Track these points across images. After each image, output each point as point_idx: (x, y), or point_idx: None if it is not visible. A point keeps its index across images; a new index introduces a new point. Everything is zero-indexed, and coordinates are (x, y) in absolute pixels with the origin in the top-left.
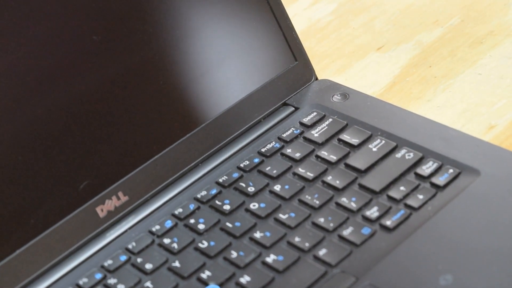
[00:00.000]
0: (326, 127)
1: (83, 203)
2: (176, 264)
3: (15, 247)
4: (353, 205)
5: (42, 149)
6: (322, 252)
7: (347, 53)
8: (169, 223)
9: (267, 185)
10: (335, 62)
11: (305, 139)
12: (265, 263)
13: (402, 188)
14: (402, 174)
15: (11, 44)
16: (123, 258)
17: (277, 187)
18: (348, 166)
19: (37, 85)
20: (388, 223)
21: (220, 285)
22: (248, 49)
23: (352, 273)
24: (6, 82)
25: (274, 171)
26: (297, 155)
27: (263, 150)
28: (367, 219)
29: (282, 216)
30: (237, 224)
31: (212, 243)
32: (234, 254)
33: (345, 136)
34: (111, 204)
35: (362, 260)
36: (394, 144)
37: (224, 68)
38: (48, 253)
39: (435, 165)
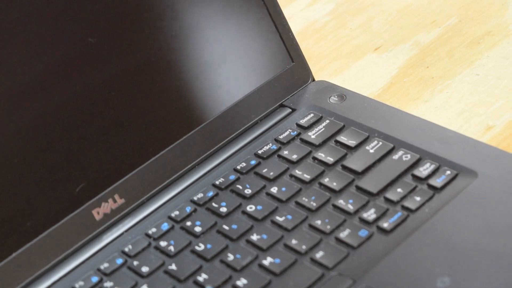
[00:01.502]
0: (323, 129)
1: (79, 205)
2: (173, 267)
3: (11, 250)
4: (350, 207)
5: (38, 152)
6: (319, 255)
7: (345, 53)
8: (165, 226)
9: (264, 187)
10: (333, 63)
11: (302, 140)
12: (261, 266)
13: (399, 190)
14: (399, 176)
15: (7, 47)
16: (120, 261)
17: (274, 189)
18: (345, 168)
19: (33, 87)
20: (385, 225)
21: None
22: (244, 50)
23: (349, 276)
24: (1, 84)
25: (271, 173)
26: (294, 157)
27: (259, 152)
28: (364, 221)
29: (279, 219)
30: (234, 226)
31: (208, 246)
32: (230, 257)
33: (342, 138)
34: (107, 206)
35: (359, 262)
36: (391, 145)
37: (221, 69)
38: (44, 256)
39: (432, 167)
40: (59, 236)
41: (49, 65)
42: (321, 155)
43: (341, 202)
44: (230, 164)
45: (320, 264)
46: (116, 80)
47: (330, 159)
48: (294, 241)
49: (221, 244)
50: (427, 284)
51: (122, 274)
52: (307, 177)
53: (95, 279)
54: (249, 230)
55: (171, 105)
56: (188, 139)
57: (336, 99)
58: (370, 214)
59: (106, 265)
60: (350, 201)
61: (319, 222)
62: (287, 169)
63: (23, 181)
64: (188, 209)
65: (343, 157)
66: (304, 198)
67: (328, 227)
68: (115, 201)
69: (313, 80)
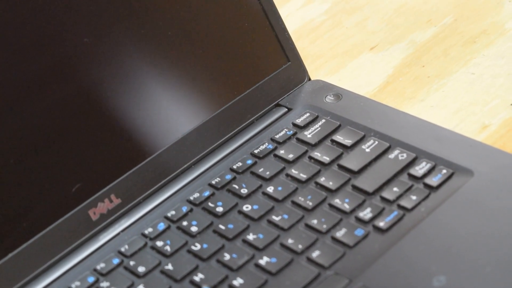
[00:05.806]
0: (319, 128)
1: (75, 206)
2: (169, 267)
3: (8, 250)
4: (346, 207)
5: (34, 152)
6: (315, 254)
7: (341, 53)
8: (161, 226)
9: (260, 186)
10: (329, 62)
11: (298, 140)
12: (258, 266)
13: (395, 189)
14: (395, 175)
15: (2, 47)
16: (116, 261)
17: (270, 189)
18: (341, 167)
19: (29, 88)
20: (381, 224)
21: (213, 287)
22: (240, 50)
23: (346, 275)
24: None
25: (267, 173)
26: (290, 156)
27: (256, 151)
28: (360, 221)
29: (275, 218)
30: (230, 226)
31: (205, 246)
32: (227, 257)
33: (338, 137)
34: (103, 207)
35: (355, 261)
36: (387, 144)
37: (216, 69)
38: (40, 256)
39: (428, 166)
40: (55, 237)
41: (42, 65)
42: (317, 154)
43: (337, 202)
44: (226, 163)
45: (316, 264)
46: (112, 80)
47: (326, 159)
48: (290, 241)
49: (218, 243)
50: (423, 283)
51: (119, 274)
52: (303, 176)
53: (91, 279)
54: (245, 230)
55: (168, 104)
56: (185, 139)
57: (332, 98)
58: (366, 213)
59: (102, 265)
60: (346, 200)
61: (315, 221)
62: (283, 168)
63: (19, 182)
64: (184, 209)
65: (339, 156)
66: (300, 198)
67: (324, 226)
68: (111, 201)
69: (309, 79)
